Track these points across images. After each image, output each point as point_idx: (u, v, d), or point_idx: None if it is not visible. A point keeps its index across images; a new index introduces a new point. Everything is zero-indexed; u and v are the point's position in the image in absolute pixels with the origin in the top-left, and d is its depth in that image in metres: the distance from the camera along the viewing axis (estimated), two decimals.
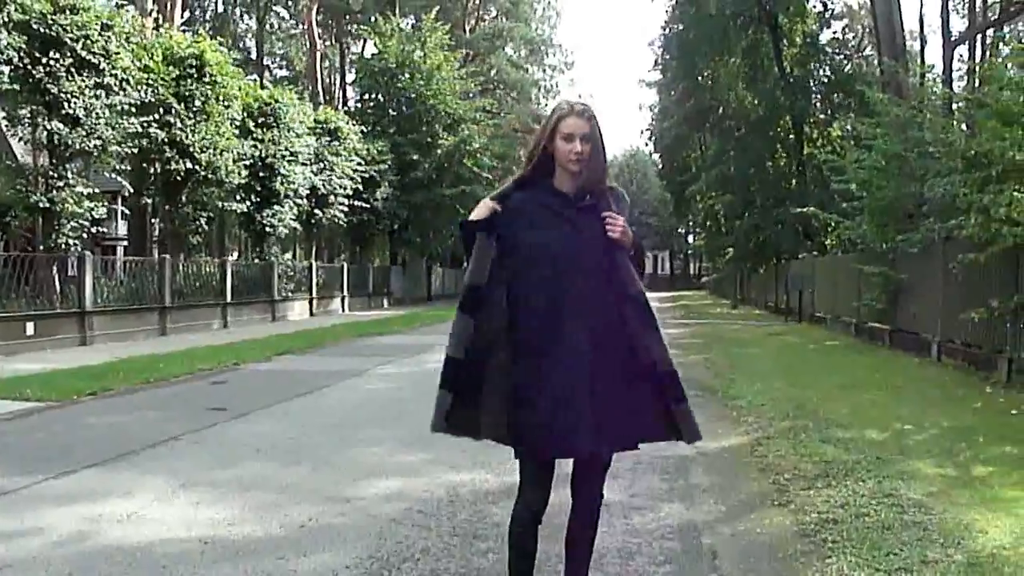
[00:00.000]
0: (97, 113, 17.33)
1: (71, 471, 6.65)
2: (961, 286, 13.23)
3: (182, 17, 36.18)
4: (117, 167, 20.00)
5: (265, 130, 25.34)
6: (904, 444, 7.46)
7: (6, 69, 16.07)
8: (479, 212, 3.44)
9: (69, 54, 16.67)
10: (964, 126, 17.76)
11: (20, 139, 18.37)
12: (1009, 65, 13.61)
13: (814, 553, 4.68)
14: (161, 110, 20.30)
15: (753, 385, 11.32)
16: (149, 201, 26.95)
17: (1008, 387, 10.96)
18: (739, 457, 7.24)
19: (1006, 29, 31.96)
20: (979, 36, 34.85)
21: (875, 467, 6.48)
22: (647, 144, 70.17)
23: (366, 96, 43.09)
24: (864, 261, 18.34)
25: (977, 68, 28.82)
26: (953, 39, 32.22)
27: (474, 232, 3.43)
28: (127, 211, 32.14)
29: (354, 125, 33.90)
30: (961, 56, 37.87)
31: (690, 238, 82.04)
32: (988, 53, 32.96)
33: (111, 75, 17.69)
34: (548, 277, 3.35)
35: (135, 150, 19.86)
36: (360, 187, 32.63)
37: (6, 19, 15.87)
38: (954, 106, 18.64)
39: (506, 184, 3.55)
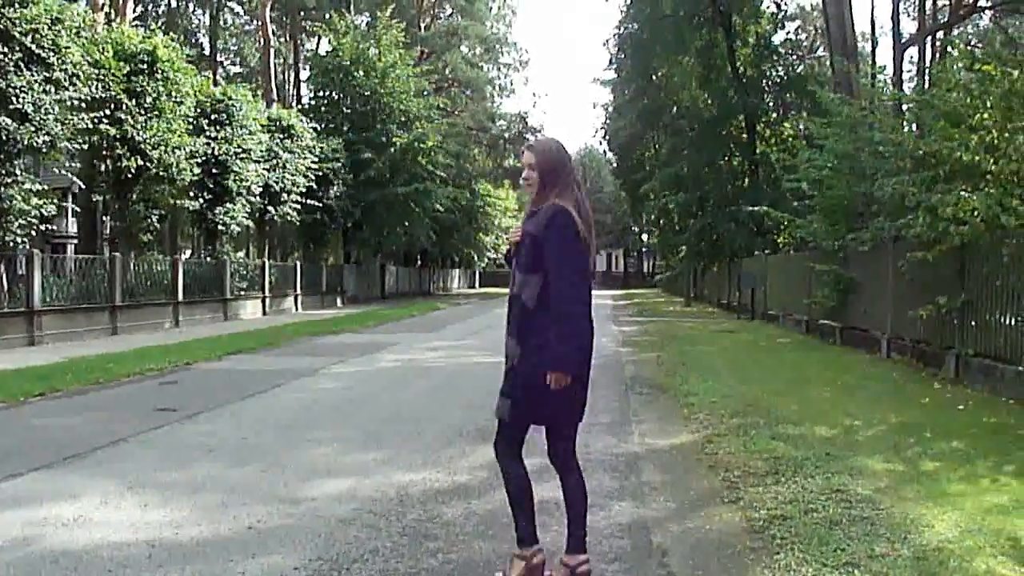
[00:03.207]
0: (46, 108, 16.95)
1: (16, 474, 6.53)
2: (910, 284, 13.43)
3: (134, 12, 35.65)
4: (67, 164, 19.67)
5: (218, 127, 25.07)
6: (853, 440, 7.56)
7: None
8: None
9: (18, 48, 16.28)
10: (913, 127, 18.01)
11: None
12: (957, 67, 13.84)
13: (763, 549, 4.73)
14: (112, 106, 19.97)
15: (705, 382, 11.41)
16: (100, 198, 26.50)
17: (955, 383, 11.16)
18: (690, 454, 7.27)
19: (955, 32, 32.52)
20: (929, 38, 35.43)
21: (824, 463, 6.56)
22: (601, 142, 70.63)
23: (320, 93, 42.78)
24: (815, 259, 18.57)
25: (927, 70, 29.24)
26: (904, 41, 32.68)
27: None
28: (77, 208, 31.64)
29: (308, 122, 33.65)
30: (911, 58, 38.50)
31: (644, 236, 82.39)
32: (937, 55, 33.48)
33: (61, 70, 17.32)
34: None
35: (85, 146, 19.57)
36: (313, 185, 32.45)
37: None
38: (904, 107, 18.88)
39: None
